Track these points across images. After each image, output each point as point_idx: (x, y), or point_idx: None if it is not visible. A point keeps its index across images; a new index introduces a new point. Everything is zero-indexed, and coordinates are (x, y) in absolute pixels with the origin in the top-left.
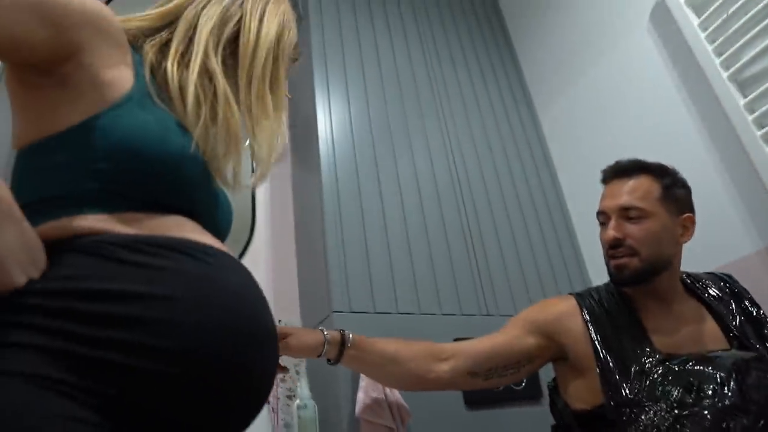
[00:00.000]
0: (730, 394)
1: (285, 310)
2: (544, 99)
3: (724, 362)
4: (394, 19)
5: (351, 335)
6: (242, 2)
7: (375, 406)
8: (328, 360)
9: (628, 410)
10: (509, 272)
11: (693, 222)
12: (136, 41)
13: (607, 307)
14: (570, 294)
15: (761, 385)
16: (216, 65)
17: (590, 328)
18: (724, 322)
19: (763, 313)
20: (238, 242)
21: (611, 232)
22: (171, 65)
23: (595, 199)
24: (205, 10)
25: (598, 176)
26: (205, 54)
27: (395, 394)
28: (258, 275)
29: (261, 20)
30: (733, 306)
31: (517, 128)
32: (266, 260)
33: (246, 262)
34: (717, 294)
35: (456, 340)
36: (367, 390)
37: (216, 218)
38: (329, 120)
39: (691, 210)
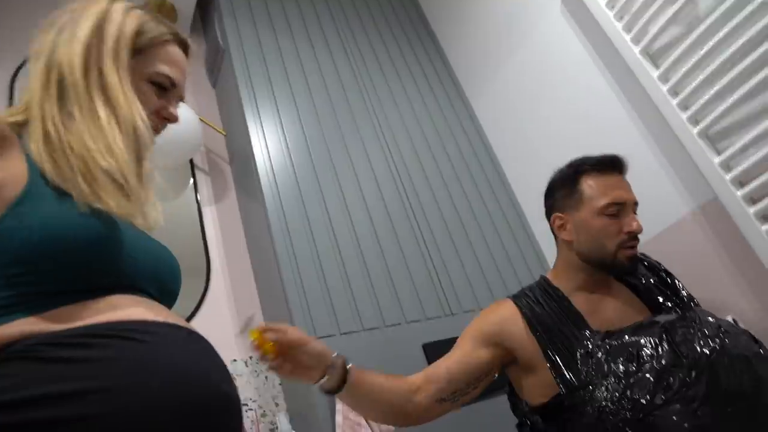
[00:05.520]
0: (664, 354)
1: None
2: (475, 89)
3: (653, 328)
4: (315, 34)
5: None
6: (55, 46)
7: (355, 426)
8: (329, 390)
9: (582, 392)
10: (467, 268)
11: None
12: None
13: (543, 303)
14: (507, 298)
15: (686, 339)
16: (51, 124)
17: (532, 326)
18: (647, 296)
19: (677, 281)
20: (196, 290)
21: (640, 224)
22: (35, 145)
23: (540, 181)
24: (32, 72)
25: (539, 158)
26: (41, 119)
27: None
28: (222, 318)
29: (68, 42)
30: (652, 280)
31: (454, 122)
32: (229, 301)
33: (208, 305)
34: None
35: (424, 345)
36: (344, 413)
37: (152, 278)
38: (266, 149)
39: None
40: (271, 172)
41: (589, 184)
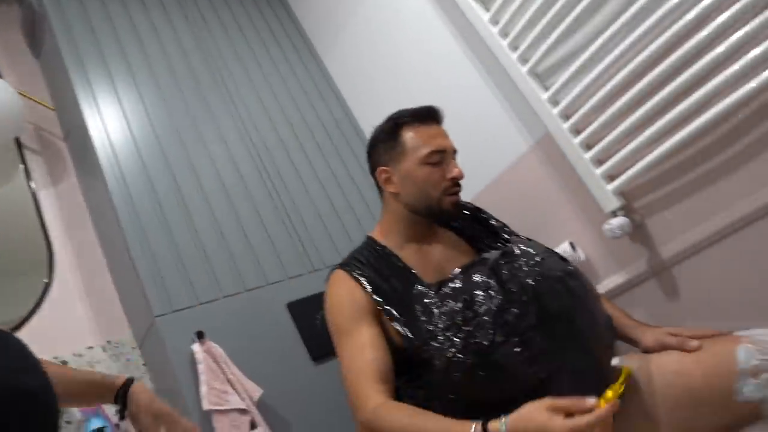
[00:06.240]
0: (495, 294)
1: (114, 331)
2: (325, 45)
3: (480, 268)
4: None
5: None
6: None
7: (221, 394)
8: None
9: (426, 347)
10: (327, 223)
11: None
12: None
13: (373, 264)
14: (337, 268)
15: (512, 275)
16: None
17: (368, 291)
18: (470, 238)
19: (489, 218)
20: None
21: (461, 171)
22: None
23: None
24: None
25: (391, 108)
26: None
27: (238, 376)
28: (72, 305)
29: None
30: (475, 224)
31: (305, 78)
32: (77, 286)
33: (55, 295)
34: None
35: (289, 304)
36: (209, 382)
37: None
38: (101, 122)
39: None
40: (109, 147)
41: (410, 136)
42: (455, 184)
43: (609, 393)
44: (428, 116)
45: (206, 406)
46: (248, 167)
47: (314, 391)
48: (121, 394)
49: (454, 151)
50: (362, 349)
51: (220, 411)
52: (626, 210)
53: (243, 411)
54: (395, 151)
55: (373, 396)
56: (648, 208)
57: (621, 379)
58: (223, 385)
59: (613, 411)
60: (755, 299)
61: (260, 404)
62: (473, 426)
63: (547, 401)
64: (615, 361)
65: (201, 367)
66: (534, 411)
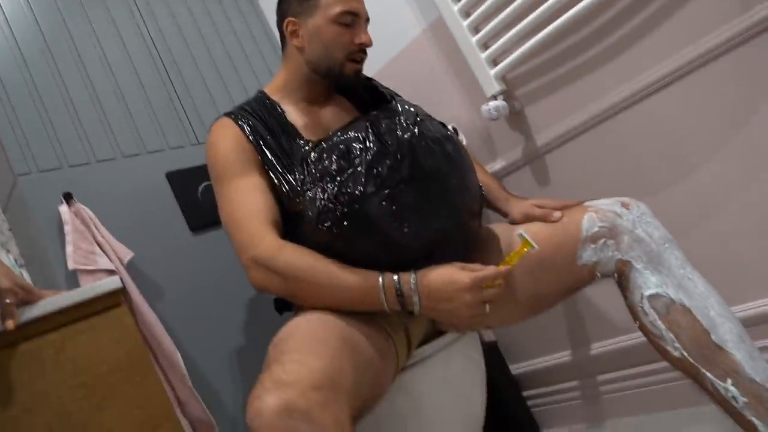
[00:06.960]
0: (371, 145)
1: None
2: None
3: (359, 124)
4: None
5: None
6: None
7: (88, 255)
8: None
9: (300, 199)
10: (214, 95)
11: None
12: None
13: (261, 117)
14: (225, 116)
15: (390, 129)
16: None
17: (251, 141)
18: (363, 108)
19: (384, 88)
20: None
21: (370, 38)
22: None
23: None
24: None
25: None
26: None
27: (108, 238)
28: None
29: None
30: (367, 93)
31: None
32: None
33: None
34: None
35: (168, 174)
36: (75, 242)
37: None
38: None
39: None
40: None
41: None
42: (361, 50)
43: (508, 259)
44: None
45: (72, 265)
46: (129, 30)
47: (191, 259)
48: None
49: (367, 19)
50: (253, 192)
51: (86, 271)
52: (507, 96)
53: (111, 272)
54: (308, 3)
55: (269, 235)
56: (527, 97)
57: (521, 248)
58: (90, 245)
59: (510, 272)
60: (618, 185)
61: (131, 267)
62: (380, 277)
63: (457, 263)
64: (519, 230)
65: (68, 228)
66: (443, 266)
